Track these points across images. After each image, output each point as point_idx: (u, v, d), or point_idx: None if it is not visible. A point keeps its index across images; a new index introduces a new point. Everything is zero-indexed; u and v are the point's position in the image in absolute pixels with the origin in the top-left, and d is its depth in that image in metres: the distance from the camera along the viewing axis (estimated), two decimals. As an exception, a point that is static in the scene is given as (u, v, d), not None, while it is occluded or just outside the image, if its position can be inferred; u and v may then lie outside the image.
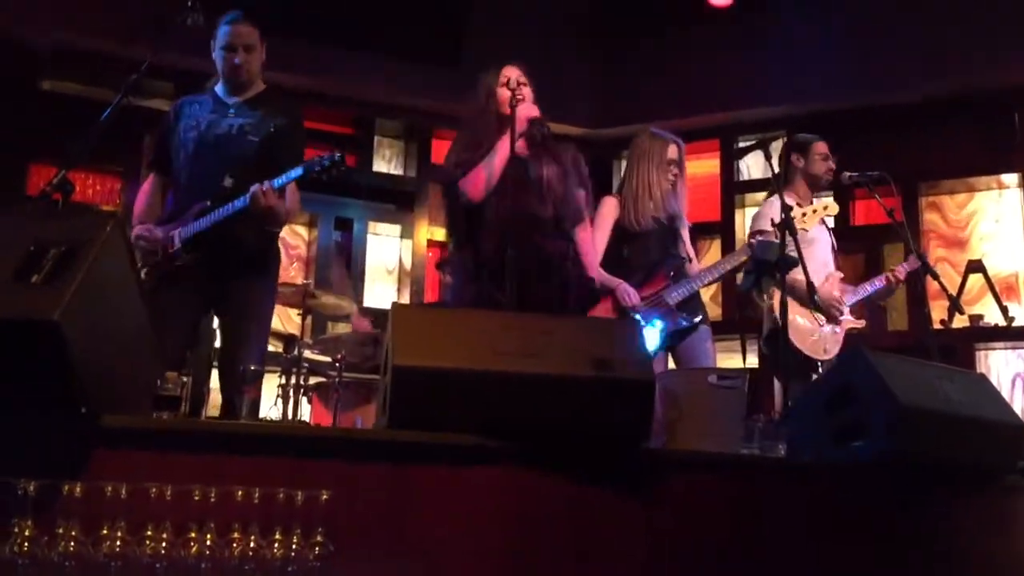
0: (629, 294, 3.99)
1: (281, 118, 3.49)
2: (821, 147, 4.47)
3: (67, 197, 2.59)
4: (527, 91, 3.45)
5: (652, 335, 3.99)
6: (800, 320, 4.23)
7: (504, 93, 3.44)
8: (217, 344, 4.26)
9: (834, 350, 4.25)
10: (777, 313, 4.02)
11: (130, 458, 1.81)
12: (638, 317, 3.97)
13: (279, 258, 3.70)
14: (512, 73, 3.50)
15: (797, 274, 3.48)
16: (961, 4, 5.99)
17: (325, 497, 1.80)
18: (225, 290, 3.43)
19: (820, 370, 4.21)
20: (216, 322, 3.78)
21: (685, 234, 4.25)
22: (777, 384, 5.75)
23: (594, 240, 4.10)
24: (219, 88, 3.58)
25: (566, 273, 3.43)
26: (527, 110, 3.40)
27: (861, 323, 4.49)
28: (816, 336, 4.25)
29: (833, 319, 4.31)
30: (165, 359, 2.35)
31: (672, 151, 4.19)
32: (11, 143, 5.63)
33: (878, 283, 4.55)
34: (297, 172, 3.29)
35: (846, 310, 4.39)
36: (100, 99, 5.81)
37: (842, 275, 4.47)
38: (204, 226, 3.33)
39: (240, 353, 3.42)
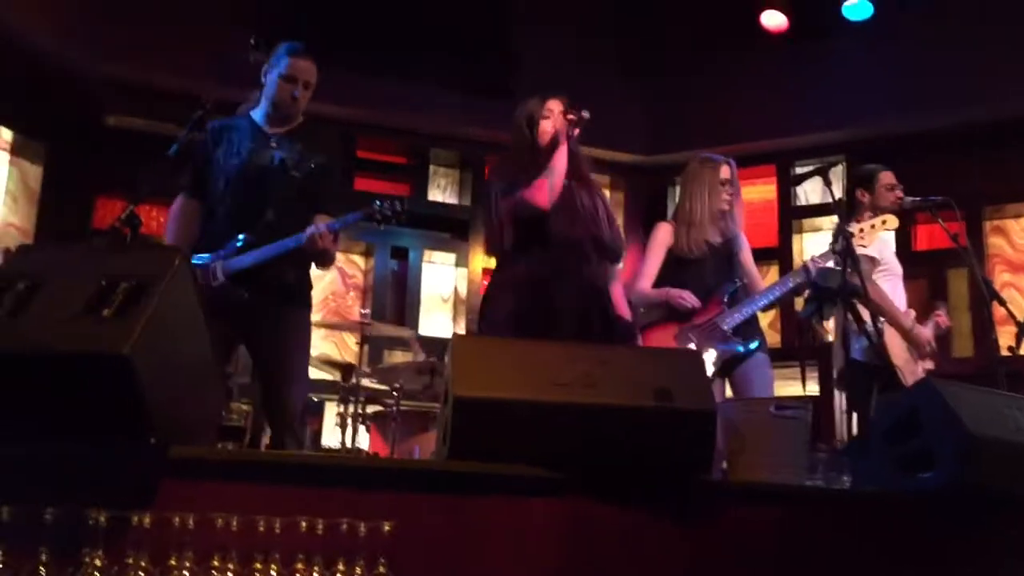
0: (683, 296, 3.94)
1: (321, 155, 3.46)
2: (887, 177, 4.36)
3: (135, 231, 2.65)
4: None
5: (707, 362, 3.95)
6: (903, 356, 4.18)
7: (546, 125, 3.50)
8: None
9: None
10: (881, 343, 4.01)
11: (197, 488, 1.84)
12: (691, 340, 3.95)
13: (311, 288, 3.62)
14: (556, 107, 3.56)
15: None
16: (1020, 25, 5.89)
17: (388, 528, 1.81)
18: (262, 323, 3.35)
19: None
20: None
21: (745, 256, 4.20)
22: (839, 413, 5.64)
23: (646, 265, 4.11)
24: (258, 115, 3.50)
25: (607, 299, 3.45)
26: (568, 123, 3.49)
27: (931, 364, 4.39)
28: (913, 373, 4.19)
29: (923, 357, 4.24)
30: (228, 392, 2.39)
31: (724, 171, 4.15)
32: (78, 178, 5.81)
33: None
34: (355, 217, 3.31)
35: (926, 359, 4.31)
36: (164, 133, 5.94)
37: (914, 313, 4.36)
38: (253, 261, 3.27)
39: (288, 387, 3.35)
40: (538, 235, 3.43)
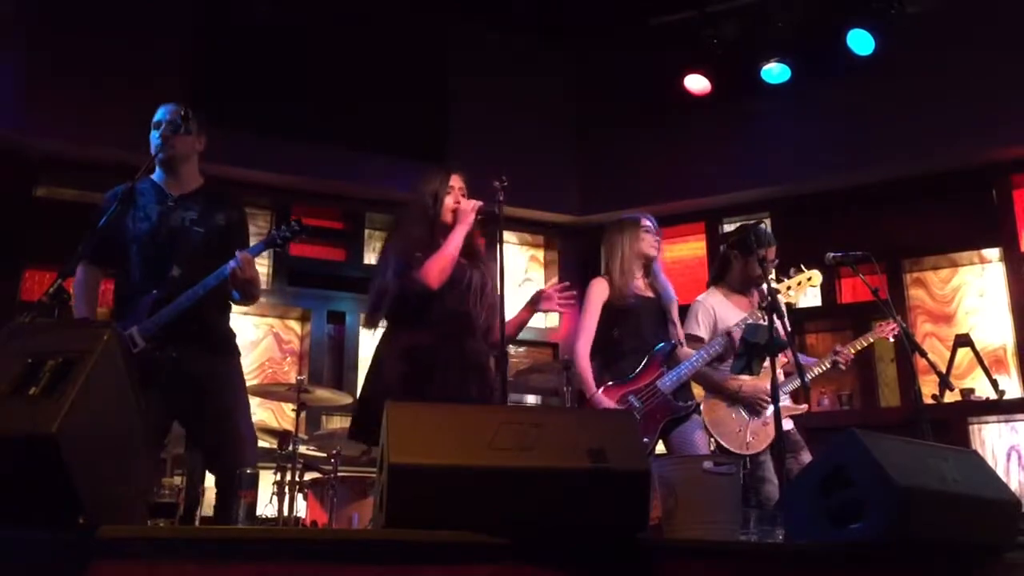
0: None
1: (232, 212, 3.55)
2: (760, 254, 4.29)
3: (63, 306, 2.61)
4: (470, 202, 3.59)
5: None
6: (724, 414, 4.32)
7: (449, 202, 3.58)
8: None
9: (763, 443, 4.27)
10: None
11: (128, 569, 1.80)
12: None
13: (235, 336, 3.62)
14: (457, 183, 3.64)
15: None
16: (934, 82, 6.15)
17: (324, 602, 1.79)
18: (196, 383, 3.31)
19: (747, 465, 4.23)
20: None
21: (674, 312, 4.30)
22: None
23: (584, 322, 4.17)
24: (157, 176, 3.55)
25: (490, 378, 3.50)
26: (472, 206, 3.54)
27: (802, 408, 4.47)
28: (739, 429, 4.29)
29: (756, 412, 4.33)
30: (159, 466, 2.35)
31: (644, 221, 4.30)
32: (5, 249, 5.69)
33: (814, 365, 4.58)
34: (260, 246, 3.41)
35: (768, 407, 4.29)
36: (93, 203, 5.87)
37: (787, 360, 4.36)
38: (169, 315, 3.25)
39: (237, 446, 3.31)
40: (425, 309, 3.47)
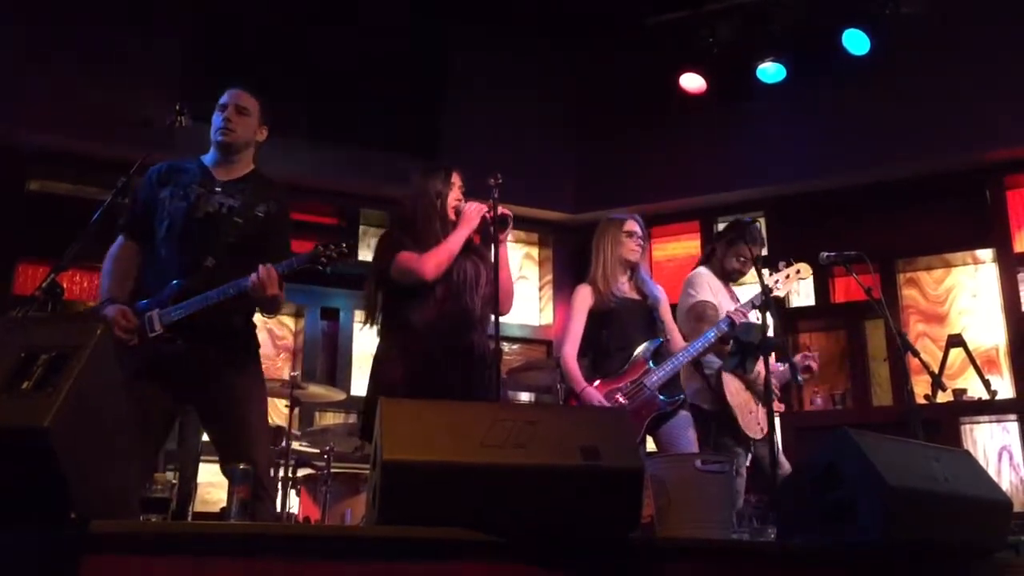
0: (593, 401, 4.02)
1: (272, 204, 3.37)
2: (744, 251, 4.45)
3: (56, 301, 2.60)
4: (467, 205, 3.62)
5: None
6: (740, 399, 4.32)
7: (452, 199, 3.62)
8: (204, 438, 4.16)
9: (764, 431, 4.23)
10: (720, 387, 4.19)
11: (121, 564, 1.79)
12: None
13: (256, 338, 3.48)
14: (457, 180, 3.68)
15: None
16: (929, 83, 6.16)
17: (317, 598, 1.79)
18: (212, 381, 3.20)
19: (752, 448, 4.28)
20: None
21: (664, 313, 4.30)
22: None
23: (571, 328, 4.18)
24: (207, 159, 3.44)
25: (493, 372, 3.48)
26: (479, 211, 3.57)
27: (780, 407, 4.47)
28: (751, 412, 4.31)
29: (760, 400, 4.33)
30: (152, 461, 2.33)
31: (629, 225, 4.31)
32: (-2, 243, 5.69)
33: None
34: (301, 259, 3.17)
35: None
36: (86, 197, 5.89)
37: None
38: (192, 309, 3.12)
39: (253, 448, 3.16)
40: (420, 307, 3.49)
